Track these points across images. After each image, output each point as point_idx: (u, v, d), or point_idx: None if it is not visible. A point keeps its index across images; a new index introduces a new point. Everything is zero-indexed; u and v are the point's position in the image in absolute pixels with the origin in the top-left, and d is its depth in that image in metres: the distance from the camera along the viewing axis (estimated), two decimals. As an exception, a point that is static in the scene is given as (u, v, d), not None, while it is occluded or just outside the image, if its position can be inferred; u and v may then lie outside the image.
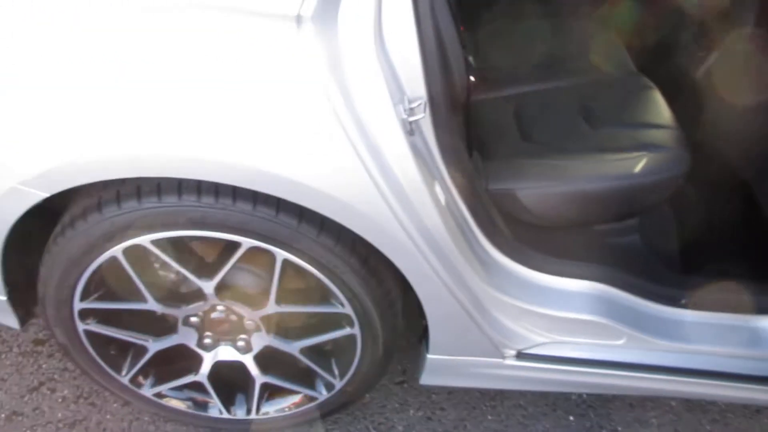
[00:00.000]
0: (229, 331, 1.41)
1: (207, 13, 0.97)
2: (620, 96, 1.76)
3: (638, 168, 1.51)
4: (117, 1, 1.00)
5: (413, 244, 1.16)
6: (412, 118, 1.09)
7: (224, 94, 1.01)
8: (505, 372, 1.46)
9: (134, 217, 1.15)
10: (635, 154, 1.54)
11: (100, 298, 1.32)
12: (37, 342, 1.78)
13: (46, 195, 1.11)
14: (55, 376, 1.71)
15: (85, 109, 1.03)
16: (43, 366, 1.73)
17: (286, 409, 1.50)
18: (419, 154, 1.13)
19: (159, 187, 1.14)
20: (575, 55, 1.90)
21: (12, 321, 1.42)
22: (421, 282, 1.24)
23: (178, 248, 1.26)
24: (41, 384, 1.69)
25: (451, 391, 1.77)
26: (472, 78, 1.38)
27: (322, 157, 1.04)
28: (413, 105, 1.09)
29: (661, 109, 1.70)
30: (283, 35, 0.96)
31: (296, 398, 1.50)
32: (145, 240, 1.19)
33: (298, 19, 0.95)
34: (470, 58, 1.35)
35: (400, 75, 1.08)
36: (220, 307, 1.36)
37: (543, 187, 1.52)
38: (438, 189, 1.20)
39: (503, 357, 1.43)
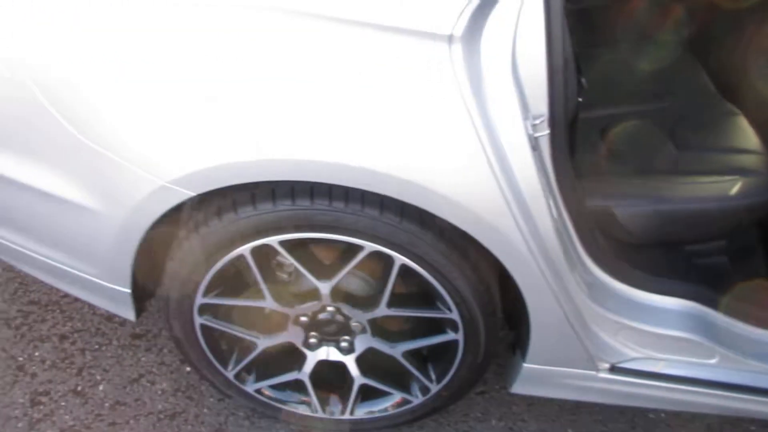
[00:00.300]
0: (334, 332, 1.48)
1: (364, 31, 1.04)
2: (706, 121, 1.80)
3: (732, 191, 1.54)
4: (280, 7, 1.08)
5: (530, 254, 1.22)
6: (537, 134, 1.15)
7: (369, 104, 1.08)
8: (597, 385, 1.50)
9: (268, 218, 1.23)
10: (728, 177, 1.58)
11: (221, 294, 1.39)
12: (135, 336, 1.87)
13: (193, 194, 1.19)
14: (154, 369, 1.79)
15: (239, 113, 1.11)
16: (142, 359, 1.82)
17: (389, 409, 1.56)
18: (538, 168, 1.19)
19: (293, 190, 1.22)
20: (659, 80, 1.95)
21: (129, 313, 1.50)
22: (532, 291, 1.29)
23: (299, 250, 1.33)
24: (141, 376, 1.78)
25: (531, 403, 1.81)
26: (580, 99, 1.44)
27: (457, 167, 1.11)
28: (536, 122, 1.16)
29: (748, 135, 1.73)
30: (434, 53, 1.03)
31: (395, 399, 1.55)
32: (273, 240, 1.27)
33: (450, 38, 1.02)
34: (583, 80, 1.41)
35: (526, 92, 1.14)
36: (330, 308, 1.42)
37: (637, 205, 1.56)
38: (551, 203, 1.25)
39: (597, 370, 1.47)
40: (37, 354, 1.80)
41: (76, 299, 1.95)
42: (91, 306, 1.94)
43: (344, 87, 1.08)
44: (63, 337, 1.84)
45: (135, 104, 1.15)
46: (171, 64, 1.12)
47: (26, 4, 1.15)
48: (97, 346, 1.83)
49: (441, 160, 1.10)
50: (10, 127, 1.25)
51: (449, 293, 1.32)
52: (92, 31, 1.14)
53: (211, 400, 1.73)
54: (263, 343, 1.48)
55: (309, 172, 1.13)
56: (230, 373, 1.54)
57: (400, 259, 1.27)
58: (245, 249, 1.28)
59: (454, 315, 1.36)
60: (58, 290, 1.97)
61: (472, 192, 1.13)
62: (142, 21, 1.12)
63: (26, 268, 1.60)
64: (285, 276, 1.46)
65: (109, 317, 1.91)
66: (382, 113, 1.08)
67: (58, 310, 1.91)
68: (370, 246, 1.26)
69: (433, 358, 1.52)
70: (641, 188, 1.58)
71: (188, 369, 1.80)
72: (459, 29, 1.02)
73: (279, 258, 1.41)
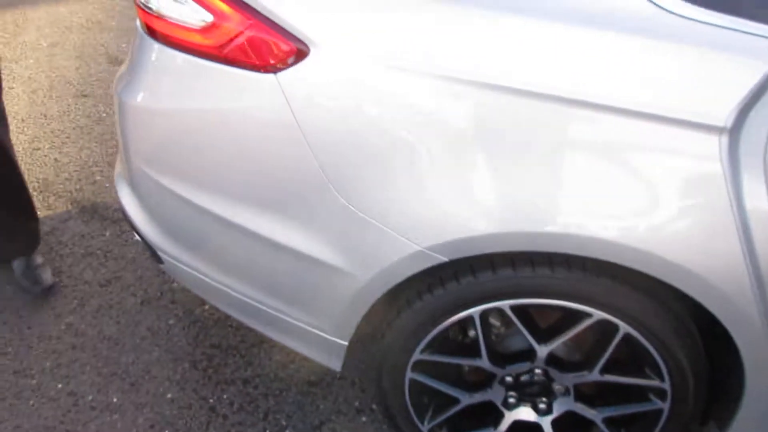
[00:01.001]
0: (534, 393, 1.54)
1: (650, 123, 1.14)
2: None
3: None
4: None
5: (761, 323, 1.26)
6: (778, 216, 1.22)
7: (638, 186, 1.17)
8: (794, 460, 1.51)
9: (507, 284, 1.31)
10: None
11: (437, 351, 1.47)
12: (311, 383, 1.96)
13: (446, 260, 1.28)
14: (332, 417, 1.87)
15: (505, 186, 1.21)
16: (320, 407, 1.90)
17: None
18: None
19: (532, 259, 1.30)
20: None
21: (337, 364, 1.59)
22: (754, 364, 1.32)
23: (520, 313, 1.40)
24: (322, 423, 1.86)
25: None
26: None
27: (711, 244, 1.17)
28: (771, 203, 1.22)
29: None
30: (707, 142, 1.12)
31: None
32: (506, 305, 1.35)
33: (722, 130, 1.11)
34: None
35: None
36: (537, 370, 1.48)
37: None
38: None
39: (796, 444, 1.49)
40: (225, 396, 1.90)
41: (253, 345, 2.07)
42: (266, 351, 2.05)
43: (617, 170, 1.17)
44: (246, 381, 1.95)
45: (402, 174, 1.26)
46: (444, 142, 1.23)
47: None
48: (278, 392, 1.93)
49: (698, 238, 1.17)
50: (280, 190, 1.37)
51: (665, 362, 1.37)
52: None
53: (391, 450, 1.80)
54: (466, 400, 1.55)
55: (567, 245, 1.21)
56: (425, 427, 1.61)
57: (624, 327, 1.34)
58: (476, 311, 1.37)
59: (665, 384, 1.41)
60: (235, 335, 2.10)
61: (721, 269, 1.19)
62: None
63: (237, 314, 1.71)
64: (493, 337, 1.53)
65: (285, 364, 2.01)
66: (650, 195, 1.17)
67: (237, 355, 2.03)
68: (598, 314, 1.33)
69: (628, 424, 1.56)
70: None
71: (363, 419, 1.88)
72: (730, 121, 1.10)
73: (491, 319, 1.50)
